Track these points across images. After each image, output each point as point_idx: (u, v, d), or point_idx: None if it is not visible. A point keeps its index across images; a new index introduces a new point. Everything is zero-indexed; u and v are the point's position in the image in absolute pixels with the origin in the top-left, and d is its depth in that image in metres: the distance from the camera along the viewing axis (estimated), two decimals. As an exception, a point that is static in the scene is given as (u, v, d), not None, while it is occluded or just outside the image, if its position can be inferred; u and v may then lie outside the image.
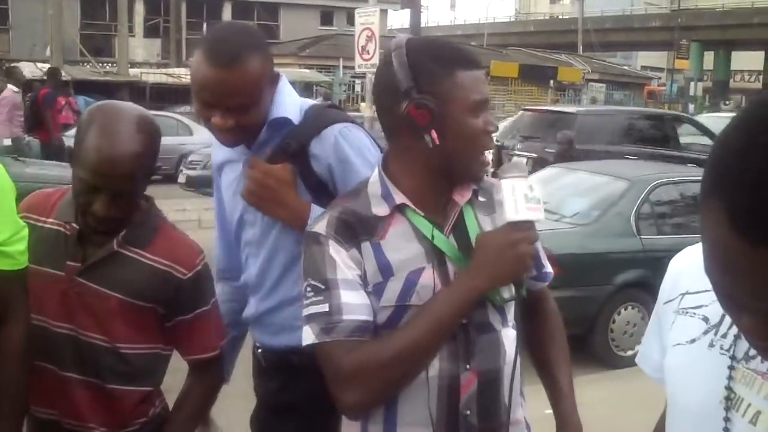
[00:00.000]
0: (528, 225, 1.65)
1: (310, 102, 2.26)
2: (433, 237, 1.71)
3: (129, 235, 2.00)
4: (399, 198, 1.72)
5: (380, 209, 1.72)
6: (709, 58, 57.62)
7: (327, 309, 1.65)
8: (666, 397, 1.34)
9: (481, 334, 1.74)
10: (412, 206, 1.72)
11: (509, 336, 1.80)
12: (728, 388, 1.15)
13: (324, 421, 2.06)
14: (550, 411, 1.91)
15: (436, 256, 1.70)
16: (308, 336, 1.68)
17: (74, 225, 1.98)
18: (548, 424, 1.89)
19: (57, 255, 1.99)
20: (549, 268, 1.99)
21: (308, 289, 1.69)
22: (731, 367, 1.16)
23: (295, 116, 2.14)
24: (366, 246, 1.69)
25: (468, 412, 1.71)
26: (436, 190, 1.76)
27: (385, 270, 1.68)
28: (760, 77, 64.15)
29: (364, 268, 1.69)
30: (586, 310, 6.38)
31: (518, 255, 1.64)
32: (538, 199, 1.65)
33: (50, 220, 2.03)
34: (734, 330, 1.17)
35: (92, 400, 2.01)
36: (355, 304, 1.65)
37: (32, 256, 1.93)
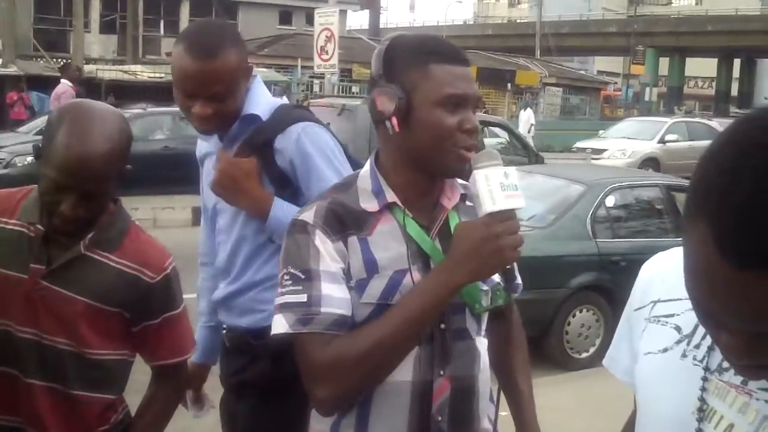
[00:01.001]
0: (509, 214, 1.56)
1: (280, 102, 2.42)
2: (419, 238, 1.69)
3: (96, 237, 1.94)
4: (390, 196, 1.70)
5: (370, 205, 1.70)
6: (664, 63, 58.52)
7: (305, 299, 1.61)
8: (632, 402, 1.34)
9: (458, 340, 1.73)
10: (402, 206, 1.70)
11: (483, 344, 1.80)
12: (701, 400, 1.14)
13: (277, 402, 2.24)
14: (505, 413, 1.91)
15: (421, 258, 1.68)
16: (280, 325, 1.62)
17: (39, 226, 1.91)
18: (503, 428, 1.89)
19: (20, 257, 1.92)
20: (519, 280, 1.96)
21: (286, 277, 1.65)
22: (704, 379, 1.15)
23: (265, 114, 2.31)
24: (353, 240, 1.66)
25: (440, 418, 1.70)
26: (422, 189, 1.73)
27: (371, 267, 1.66)
28: (713, 84, 65.33)
29: (349, 263, 1.66)
30: (542, 312, 6.42)
31: (498, 248, 1.55)
32: (516, 185, 1.57)
33: (13, 220, 1.95)
34: (707, 341, 1.17)
35: (55, 407, 1.95)
36: (335, 297, 1.62)
37: None
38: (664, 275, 1.30)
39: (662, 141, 21.29)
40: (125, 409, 2.14)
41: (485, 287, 1.74)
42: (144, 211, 11.52)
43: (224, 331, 2.46)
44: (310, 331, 1.60)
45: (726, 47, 55.71)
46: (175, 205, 12.26)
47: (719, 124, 24.61)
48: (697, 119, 26.97)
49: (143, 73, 26.66)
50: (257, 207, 2.27)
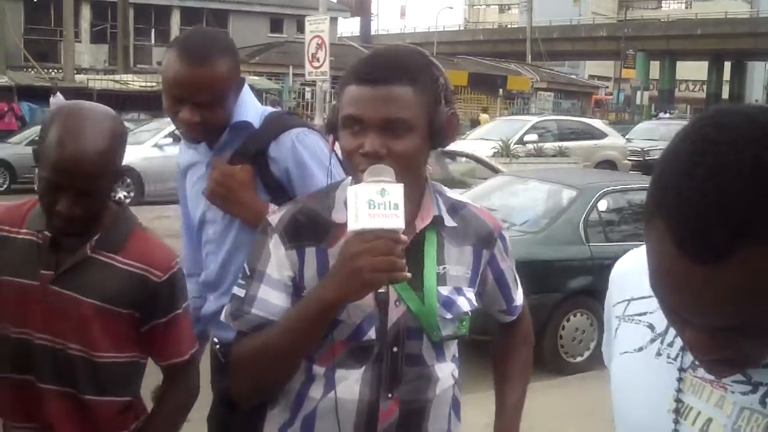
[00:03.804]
0: (377, 234, 1.47)
1: (270, 109, 2.41)
2: None
3: (101, 239, 1.95)
4: None
5: (339, 215, 1.67)
6: (654, 67, 58.78)
7: (243, 295, 1.67)
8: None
9: (411, 366, 1.69)
10: None
11: (445, 370, 1.76)
12: (677, 399, 1.15)
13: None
14: (488, 422, 1.90)
15: (380, 291, 1.57)
16: (224, 314, 1.73)
17: (46, 233, 1.92)
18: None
19: (30, 265, 1.93)
20: (519, 301, 1.95)
21: (242, 270, 1.72)
22: (680, 379, 1.16)
23: (255, 121, 2.30)
24: (311, 251, 1.67)
25: None
26: None
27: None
28: (704, 87, 65.60)
29: (303, 272, 1.66)
30: (536, 317, 6.32)
31: (355, 269, 1.48)
32: (395, 204, 1.47)
33: (23, 230, 1.97)
34: (680, 338, 1.18)
35: (68, 412, 1.95)
36: (269, 302, 1.65)
37: (7, 268, 1.91)
38: (636, 272, 1.30)
39: (521, 142, 18.67)
40: (145, 413, 2.13)
41: (449, 315, 1.71)
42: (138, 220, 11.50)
43: (217, 346, 2.37)
44: (236, 328, 1.69)
45: (716, 50, 56.00)
46: (171, 214, 12.25)
47: (603, 123, 22.68)
48: (568, 117, 24.48)
49: (134, 82, 26.64)
50: (253, 215, 2.21)
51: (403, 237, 1.49)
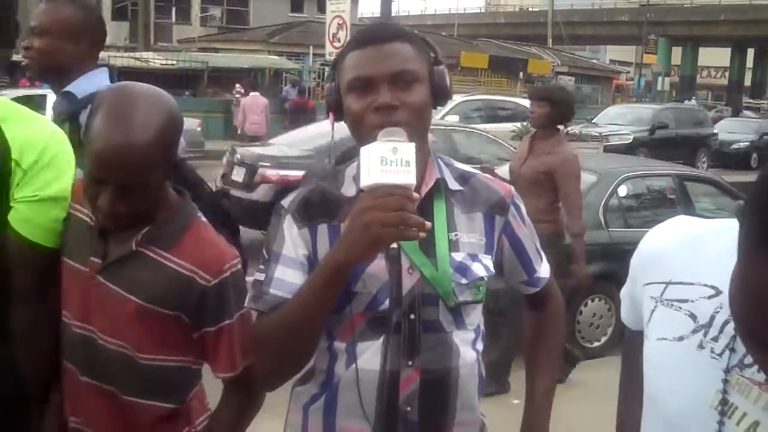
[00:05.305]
0: (388, 190, 1.45)
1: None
2: None
3: (152, 233, 1.80)
4: None
5: (349, 190, 1.71)
6: (676, 53, 58.19)
7: (262, 278, 1.69)
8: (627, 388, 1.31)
9: (429, 332, 1.69)
10: None
11: (466, 339, 1.76)
12: (723, 399, 1.12)
13: None
14: (517, 401, 1.90)
15: (391, 246, 1.55)
16: (247, 299, 1.75)
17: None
18: (515, 413, 1.89)
19: (82, 248, 1.82)
20: (544, 273, 1.94)
21: (261, 255, 1.73)
22: (726, 379, 1.13)
23: (83, 94, 2.76)
24: (323, 228, 1.69)
25: (409, 408, 1.68)
26: None
27: None
28: (726, 73, 64.98)
29: (316, 249, 1.68)
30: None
31: (364, 223, 1.45)
32: (406, 161, 1.46)
33: (83, 208, 1.84)
34: (726, 334, 1.14)
35: (109, 410, 1.85)
36: (286, 281, 1.66)
37: (65, 247, 1.85)
38: (677, 253, 1.27)
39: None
40: (203, 422, 1.97)
41: (464, 280, 1.71)
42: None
43: None
44: (256, 309, 1.70)
45: (739, 37, 55.39)
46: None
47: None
48: (498, 97, 22.58)
49: (155, 60, 26.69)
50: None
51: (415, 194, 1.49)
